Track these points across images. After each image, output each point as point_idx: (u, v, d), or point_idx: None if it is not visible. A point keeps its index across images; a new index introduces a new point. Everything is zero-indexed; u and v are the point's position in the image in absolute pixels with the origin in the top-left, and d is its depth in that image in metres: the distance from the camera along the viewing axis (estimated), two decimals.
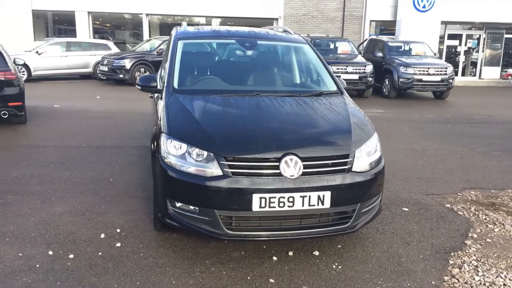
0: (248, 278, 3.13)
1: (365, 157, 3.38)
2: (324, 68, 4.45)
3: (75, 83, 15.37)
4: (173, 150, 3.19)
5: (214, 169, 3.05)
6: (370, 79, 13.42)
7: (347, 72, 13.20)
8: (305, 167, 3.10)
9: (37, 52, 15.14)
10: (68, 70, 15.75)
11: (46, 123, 8.44)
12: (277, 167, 3.05)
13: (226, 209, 3.06)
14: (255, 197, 3.00)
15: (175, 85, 3.95)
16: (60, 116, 9.12)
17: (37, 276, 3.06)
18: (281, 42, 4.83)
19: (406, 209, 4.53)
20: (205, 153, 3.09)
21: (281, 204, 3.05)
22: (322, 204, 3.12)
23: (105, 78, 15.14)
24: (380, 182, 3.53)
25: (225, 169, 3.04)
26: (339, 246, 3.65)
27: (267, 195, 3.02)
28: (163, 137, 3.30)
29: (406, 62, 13.62)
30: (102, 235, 3.70)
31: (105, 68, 14.89)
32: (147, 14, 18.12)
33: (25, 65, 14.90)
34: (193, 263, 3.30)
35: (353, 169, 3.25)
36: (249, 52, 4.63)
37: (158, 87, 4.11)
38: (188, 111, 3.51)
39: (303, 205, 3.08)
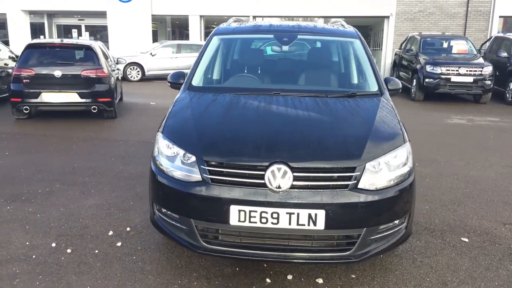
0: None
1: (384, 171, 2.77)
2: (370, 67, 3.82)
3: None
4: (165, 150, 2.97)
5: (195, 174, 2.76)
6: (489, 82, 11.69)
7: (459, 74, 11.71)
8: (296, 179, 2.62)
9: (150, 53, 16.34)
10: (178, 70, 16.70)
11: (134, 119, 8.94)
12: (262, 177, 2.63)
13: (203, 220, 2.73)
14: (233, 209, 2.63)
15: (194, 82, 3.74)
16: (150, 112, 9.60)
17: (27, 267, 3.10)
18: (327, 36, 4.29)
19: (466, 240, 3.68)
20: (192, 156, 2.81)
21: (264, 220, 2.62)
22: (314, 224, 2.61)
23: None
24: (405, 202, 2.87)
25: (204, 175, 2.72)
26: (353, 276, 3.07)
27: (246, 208, 2.62)
28: (157, 136, 3.11)
29: None
30: (110, 232, 3.66)
31: None
32: (254, 16, 18.37)
33: (140, 66, 16.24)
34: (179, 274, 3.04)
35: (360, 185, 2.67)
36: (285, 48, 4.21)
37: None
38: (189, 110, 3.25)
39: (290, 224, 2.61)
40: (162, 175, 2.89)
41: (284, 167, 2.62)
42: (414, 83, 12.50)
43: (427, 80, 11.95)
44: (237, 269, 3.12)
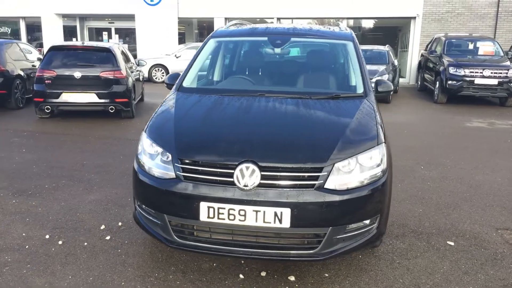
0: None
1: (355, 172, 2.81)
2: (359, 69, 3.85)
3: None
4: (147, 149, 3.10)
5: (171, 172, 2.88)
6: None
7: (483, 76, 11.41)
8: (263, 177, 2.70)
9: (175, 55, 16.69)
10: None
11: None
12: (231, 175, 2.72)
13: (175, 215, 2.85)
14: (203, 206, 2.73)
15: (185, 83, 3.87)
16: None
17: (18, 256, 3.31)
18: (320, 39, 4.34)
19: (451, 243, 3.65)
20: (170, 155, 2.93)
21: (231, 217, 2.71)
22: (280, 222, 2.68)
23: None
24: (377, 202, 2.90)
25: (178, 172, 2.84)
26: (326, 275, 3.11)
27: (215, 205, 2.72)
28: (141, 135, 3.25)
29: None
30: (103, 227, 3.83)
31: None
32: (278, 18, 18.44)
33: (165, 67, 16.62)
34: (158, 267, 3.17)
35: (328, 185, 2.72)
36: (278, 50, 4.27)
37: None
38: (172, 111, 3.38)
39: (256, 221, 2.69)
40: (142, 172, 3.03)
41: (252, 166, 2.70)
42: (437, 85, 12.26)
43: (449, 82, 11.71)
44: (214, 264, 3.22)
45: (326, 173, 2.73)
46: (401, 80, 16.93)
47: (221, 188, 2.72)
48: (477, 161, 6.28)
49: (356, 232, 2.86)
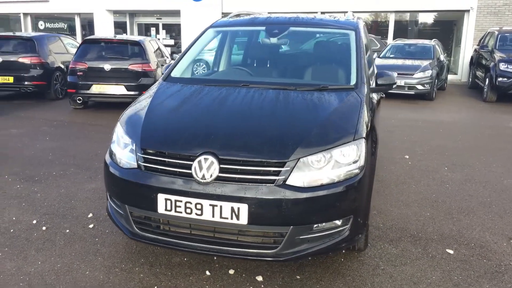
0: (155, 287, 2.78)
1: (324, 168, 2.59)
2: (355, 60, 3.57)
3: None
4: (118, 138, 3.05)
5: (134, 162, 2.80)
6: None
7: None
8: (222, 170, 2.55)
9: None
10: None
11: None
12: (190, 167, 2.60)
13: (136, 206, 2.76)
14: (161, 198, 2.62)
15: (173, 73, 3.78)
16: None
17: (0, 239, 3.38)
18: (320, 28, 4.09)
19: (451, 252, 3.31)
20: (135, 144, 2.86)
21: (188, 210, 2.59)
22: (237, 218, 2.52)
23: None
24: (350, 202, 2.66)
25: (139, 162, 2.75)
26: (298, 277, 2.91)
27: (172, 197, 2.60)
28: (116, 125, 3.21)
29: None
30: (90, 215, 3.84)
31: None
32: (322, 12, 18.04)
33: (206, 62, 16.74)
34: (128, 259, 3.12)
35: (290, 181, 2.52)
36: (274, 40, 4.06)
37: None
38: (148, 100, 3.29)
39: (213, 216, 2.55)
40: (111, 162, 2.97)
41: (211, 158, 2.56)
42: (487, 82, 11.42)
43: (499, 79, 10.85)
44: (185, 259, 3.11)
45: (289, 168, 2.53)
46: (452, 77, 15.99)
47: (179, 180, 2.60)
48: (511, 164, 5.73)
49: (324, 233, 2.64)
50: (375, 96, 3.83)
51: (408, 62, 12.15)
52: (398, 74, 11.41)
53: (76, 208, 3.99)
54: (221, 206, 2.52)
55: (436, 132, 7.65)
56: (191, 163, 2.59)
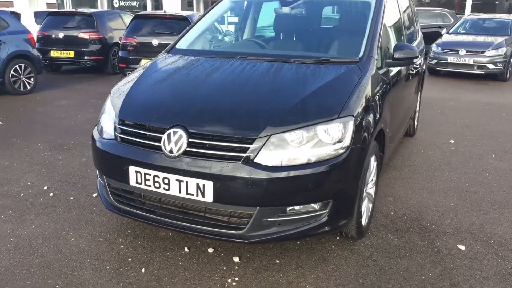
0: (129, 260, 2.75)
1: (304, 147, 2.37)
2: (367, 32, 3.21)
3: None
4: (103, 109, 3.04)
5: (113, 132, 2.77)
6: None
7: None
8: (191, 145, 2.43)
9: None
10: None
11: None
12: (160, 139, 2.50)
13: (112, 178, 2.74)
14: (132, 170, 2.56)
15: (178, 44, 3.69)
16: None
17: (8, 202, 3.54)
18: None
19: (462, 247, 2.94)
20: (115, 115, 2.82)
21: (157, 185, 2.50)
22: (203, 196, 2.39)
23: None
24: (330, 184, 2.43)
25: (116, 133, 2.71)
26: (277, 261, 2.73)
27: (142, 170, 2.53)
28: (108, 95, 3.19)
29: None
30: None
31: None
32: None
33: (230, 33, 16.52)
34: (115, 229, 3.12)
35: (259, 159, 2.34)
36: (286, 10, 3.78)
37: None
38: (140, 71, 3.24)
39: (179, 192, 2.45)
40: (96, 133, 2.97)
41: (180, 131, 2.45)
42: None
43: None
44: (170, 234, 3.06)
45: (258, 145, 2.34)
46: None
47: (148, 152, 2.53)
48: None
49: (297, 217, 2.44)
50: (394, 71, 3.46)
51: (480, 38, 11.05)
52: (467, 51, 10.48)
53: (89, 177, 4.10)
54: (187, 182, 2.41)
55: (497, 116, 6.90)
56: (161, 135, 2.50)
